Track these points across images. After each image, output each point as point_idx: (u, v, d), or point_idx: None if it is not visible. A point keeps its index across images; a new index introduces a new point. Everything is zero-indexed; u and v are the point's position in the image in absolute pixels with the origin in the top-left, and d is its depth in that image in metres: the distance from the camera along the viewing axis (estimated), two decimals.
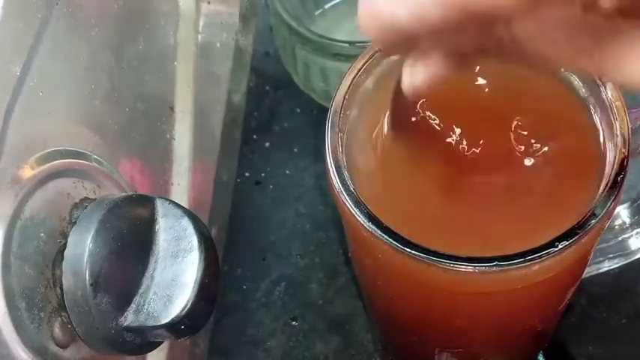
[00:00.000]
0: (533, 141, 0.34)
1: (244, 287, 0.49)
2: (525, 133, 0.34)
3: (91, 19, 0.33)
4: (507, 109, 0.35)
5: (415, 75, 0.28)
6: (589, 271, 0.40)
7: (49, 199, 0.30)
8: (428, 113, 0.34)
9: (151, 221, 0.31)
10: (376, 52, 0.35)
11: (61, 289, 0.29)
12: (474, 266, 0.29)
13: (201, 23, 0.43)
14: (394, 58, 0.34)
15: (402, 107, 0.33)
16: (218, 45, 0.44)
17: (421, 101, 0.34)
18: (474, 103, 0.35)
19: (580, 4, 0.22)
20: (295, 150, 0.54)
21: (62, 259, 0.29)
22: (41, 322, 0.29)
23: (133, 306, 0.30)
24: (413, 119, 0.35)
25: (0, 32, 0.28)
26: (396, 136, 0.34)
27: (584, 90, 0.34)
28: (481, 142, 0.34)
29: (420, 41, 0.26)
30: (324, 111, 0.36)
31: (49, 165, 0.30)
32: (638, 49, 0.23)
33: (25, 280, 0.28)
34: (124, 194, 0.32)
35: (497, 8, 0.22)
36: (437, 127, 0.35)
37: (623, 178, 0.31)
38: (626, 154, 0.31)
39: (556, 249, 0.29)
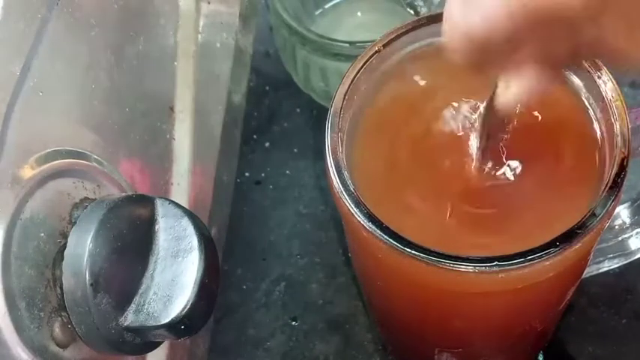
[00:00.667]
0: (533, 141, 0.34)
1: (244, 287, 0.49)
2: (525, 133, 0.34)
3: (91, 19, 0.33)
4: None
5: (509, 91, 0.27)
6: (589, 271, 0.40)
7: (49, 199, 0.30)
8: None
9: (151, 221, 0.31)
10: (376, 52, 0.35)
11: (61, 289, 0.29)
12: (474, 266, 0.29)
13: (201, 23, 0.43)
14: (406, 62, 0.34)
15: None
16: (218, 45, 0.44)
17: None
18: (474, 105, 0.35)
19: None
20: (295, 150, 0.54)
21: (62, 259, 0.29)
22: (41, 322, 0.29)
23: (133, 306, 0.30)
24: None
25: (0, 32, 0.28)
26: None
27: (584, 90, 0.34)
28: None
29: (510, 54, 0.25)
30: (324, 111, 0.36)
31: (49, 165, 0.30)
32: None
33: (25, 280, 0.28)
34: (124, 194, 0.32)
35: (560, 6, 0.22)
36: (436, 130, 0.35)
37: (623, 178, 0.31)
38: (626, 154, 0.31)
39: (556, 249, 0.29)
